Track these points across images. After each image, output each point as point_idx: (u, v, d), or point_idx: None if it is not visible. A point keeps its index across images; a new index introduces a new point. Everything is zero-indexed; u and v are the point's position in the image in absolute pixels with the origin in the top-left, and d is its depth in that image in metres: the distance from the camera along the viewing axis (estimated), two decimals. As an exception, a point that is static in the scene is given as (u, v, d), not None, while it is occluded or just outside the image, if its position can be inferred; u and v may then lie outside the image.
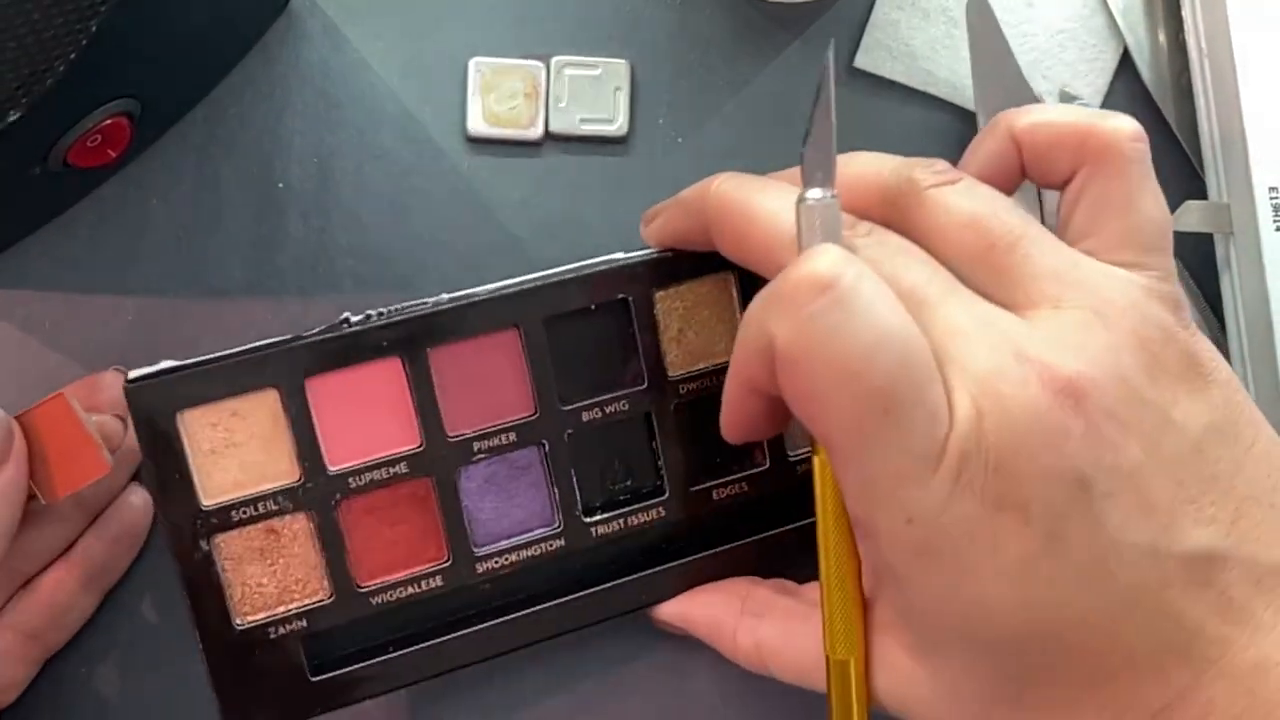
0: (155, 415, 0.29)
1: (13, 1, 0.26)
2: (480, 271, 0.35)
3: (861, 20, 0.37)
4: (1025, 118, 0.28)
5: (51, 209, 0.35)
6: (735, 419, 0.29)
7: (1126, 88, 0.38)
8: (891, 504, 0.25)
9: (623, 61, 0.37)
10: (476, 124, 0.36)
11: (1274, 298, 0.34)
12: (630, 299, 0.32)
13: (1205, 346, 0.27)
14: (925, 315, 0.25)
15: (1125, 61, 0.38)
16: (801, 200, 0.26)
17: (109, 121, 0.31)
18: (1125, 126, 0.27)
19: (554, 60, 0.37)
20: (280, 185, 0.36)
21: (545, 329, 0.31)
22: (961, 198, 0.27)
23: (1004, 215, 0.26)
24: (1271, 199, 0.35)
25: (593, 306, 0.32)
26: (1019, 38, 0.37)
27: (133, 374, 0.29)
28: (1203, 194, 0.37)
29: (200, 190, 0.36)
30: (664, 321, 0.32)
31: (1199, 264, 0.37)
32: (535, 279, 0.31)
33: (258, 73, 0.36)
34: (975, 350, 0.25)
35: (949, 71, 0.38)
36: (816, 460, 0.28)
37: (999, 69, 0.37)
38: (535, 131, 0.36)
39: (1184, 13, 0.37)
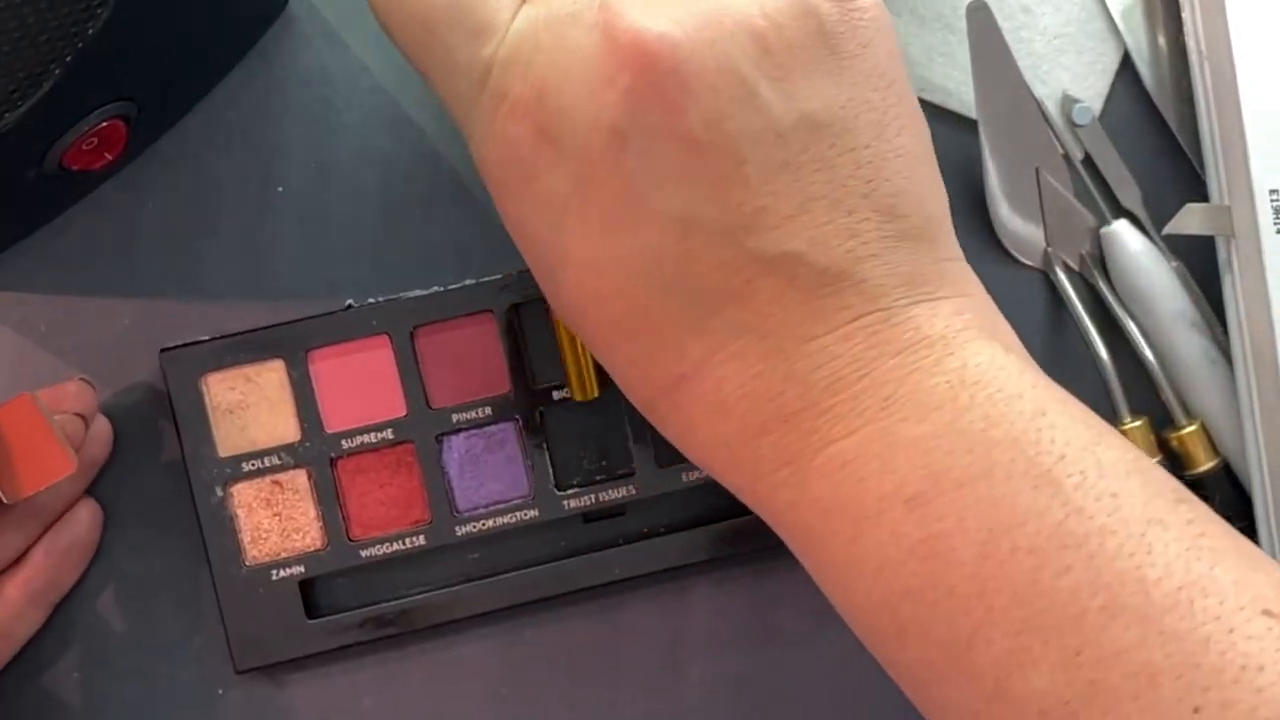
0: (184, 377, 0.34)
1: (9, 4, 0.26)
2: (480, 276, 0.35)
3: (860, 25, 0.37)
4: None
5: (47, 212, 0.35)
6: None
7: (1127, 91, 0.38)
8: (458, 121, 0.26)
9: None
10: (474, 128, 0.36)
11: (1275, 300, 0.34)
12: None
13: (860, 33, 0.25)
14: None
15: (1125, 65, 0.38)
16: None
17: (105, 125, 0.31)
18: None
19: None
20: (280, 189, 0.36)
21: (519, 315, 0.35)
22: None
23: None
24: (1272, 201, 0.34)
25: None
26: (1016, 43, 0.37)
27: (166, 345, 0.34)
28: (1204, 197, 0.37)
29: (197, 193, 0.36)
30: None
31: (1201, 266, 0.37)
32: (512, 271, 0.35)
33: (256, 76, 0.36)
34: None
35: (944, 78, 0.37)
36: None
37: (1000, 74, 0.37)
38: (533, 135, 0.36)
39: (1184, 15, 0.37)
